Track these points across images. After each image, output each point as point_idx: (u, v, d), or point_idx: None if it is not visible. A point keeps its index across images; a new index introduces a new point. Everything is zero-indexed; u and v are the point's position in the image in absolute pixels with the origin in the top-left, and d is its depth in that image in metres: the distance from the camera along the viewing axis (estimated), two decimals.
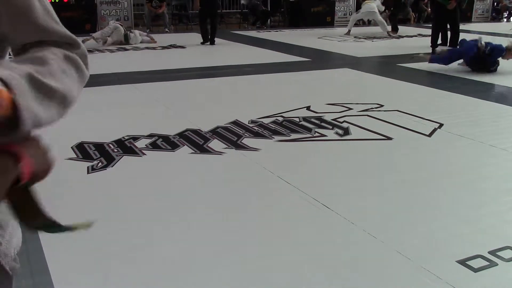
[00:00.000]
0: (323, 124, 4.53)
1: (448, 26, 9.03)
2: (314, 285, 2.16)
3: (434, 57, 7.59)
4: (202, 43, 10.23)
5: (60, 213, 2.83)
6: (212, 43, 10.22)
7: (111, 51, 9.14)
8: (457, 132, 4.33)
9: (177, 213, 2.81)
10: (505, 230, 2.65)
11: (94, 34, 9.74)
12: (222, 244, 2.48)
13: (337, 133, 4.30)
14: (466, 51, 7.16)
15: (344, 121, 4.61)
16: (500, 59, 7.11)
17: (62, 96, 0.78)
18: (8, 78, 0.67)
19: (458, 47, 7.71)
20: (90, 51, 9.04)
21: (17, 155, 0.68)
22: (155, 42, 10.14)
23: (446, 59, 7.30)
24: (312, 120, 4.65)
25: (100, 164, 3.52)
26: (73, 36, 0.89)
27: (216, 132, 4.24)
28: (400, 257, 2.36)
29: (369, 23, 12.02)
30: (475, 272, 2.25)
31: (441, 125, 4.53)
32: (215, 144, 3.95)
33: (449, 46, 8.82)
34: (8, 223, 0.90)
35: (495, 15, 17.48)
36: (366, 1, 12.06)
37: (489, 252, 2.40)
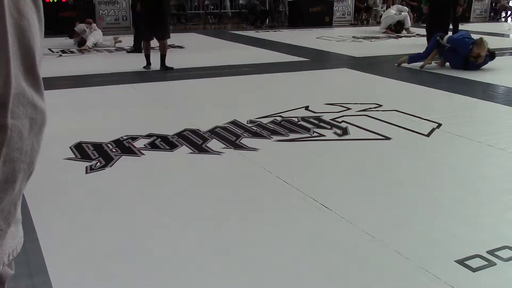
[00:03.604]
0: (321, 124, 4.53)
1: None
2: (313, 285, 2.16)
3: (412, 56, 7.73)
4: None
5: (59, 213, 2.81)
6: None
7: (109, 51, 9.13)
8: (455, 132, 4.33)
9: (176, 213, 2.81)
10: (503, 229, 2.65)
11: (88, 44, 9.33)
12: (221, 244, 2.48)
13: (335, 133, 4.30)
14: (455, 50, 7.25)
15: (343, 121, 4.61)
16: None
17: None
18: None
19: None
20: (88, 51, 9.02)
21: None
22: (120, 41, 9.68)
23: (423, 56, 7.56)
24: (311, 120, 4.65)
25: (98, 164, 3.52)
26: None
27: (214, 132, 4.23)
28: (399, 257, 2.37)
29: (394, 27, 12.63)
30: (473, 272, 2.25)
31: (439, 125, 4.53)
32: (214, 144, 3.95)
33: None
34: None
35: (494, 15, 17.50)
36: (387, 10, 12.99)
37: (487, 252, 2.40)
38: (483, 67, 7.24)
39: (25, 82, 0.73)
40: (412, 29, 12.68)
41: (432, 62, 7.57)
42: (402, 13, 12.65)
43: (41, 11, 0.77)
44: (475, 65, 7.17)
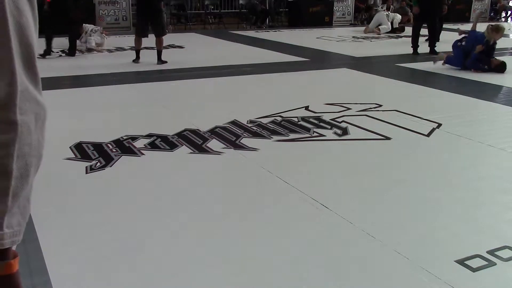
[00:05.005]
0: (321, 124, 4.53)
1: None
2: (313, 285, 2.16)
3: (449, 58, 7.61)
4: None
5: (59, 213, 2.81)
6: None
7: (110, 51, 9.13)
8: (455, 132, 4.33)
9: (176, 213, 2.81)
10: (503, 229, 2.66)
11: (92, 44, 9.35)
12: (221, 244, 2.48)
13: (335, 133, 4.30)
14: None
15: (343, 121, 4.61)
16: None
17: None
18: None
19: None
20: (89, 51, 9.03)
21: None
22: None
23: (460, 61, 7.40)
24: (311, 120, 4.65)
25: (98, 164, 3.52)
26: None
27: (214, 132, 4.23)
28: (398, 256, 2.37)
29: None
30: (473, 272, 2.25)
31: (439, 125, 4.54)
32: (214, 144, 3.95)
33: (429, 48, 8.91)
34: None
35: (494, 15, 17.50)
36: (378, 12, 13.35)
37: (487, 252, 2.40)
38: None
39: (26, 78, 0.75)
40: (407, 29, 12.79)
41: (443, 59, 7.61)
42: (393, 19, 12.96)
43: (35, 9, 0.78)
44: (487, 69, 7.18)
